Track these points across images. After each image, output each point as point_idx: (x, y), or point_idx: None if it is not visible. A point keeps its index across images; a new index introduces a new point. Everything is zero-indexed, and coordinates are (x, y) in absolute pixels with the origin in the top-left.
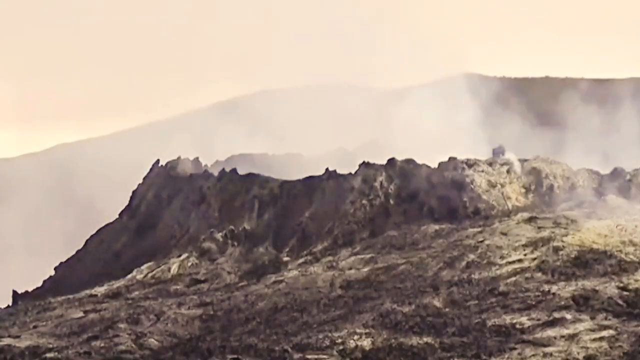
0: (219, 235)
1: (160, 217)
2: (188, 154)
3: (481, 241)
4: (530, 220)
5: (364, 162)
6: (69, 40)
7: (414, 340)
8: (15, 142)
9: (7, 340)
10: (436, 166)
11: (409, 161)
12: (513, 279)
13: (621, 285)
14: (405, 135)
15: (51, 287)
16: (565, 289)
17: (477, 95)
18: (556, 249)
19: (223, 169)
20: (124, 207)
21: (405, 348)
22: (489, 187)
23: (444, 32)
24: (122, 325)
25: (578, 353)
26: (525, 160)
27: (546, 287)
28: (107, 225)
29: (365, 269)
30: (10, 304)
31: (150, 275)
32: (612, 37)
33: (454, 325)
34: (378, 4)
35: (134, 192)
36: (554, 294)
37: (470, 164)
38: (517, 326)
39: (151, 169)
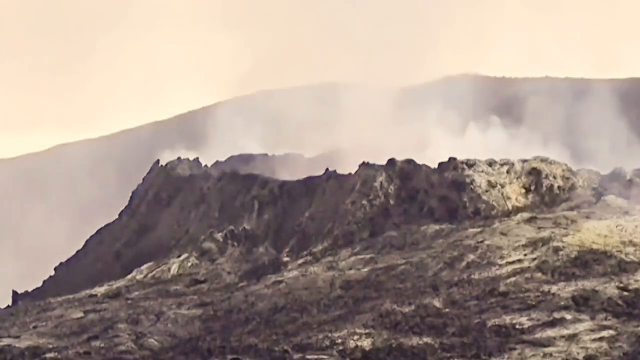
0: (219, 236)
1: (160, 217)
2: (188, 154)
3: (481, 241)
4: (530, 220)
5: (364, 162)
6: (67, 39)
7: (414, 341)
8: (15, 142)
9: (7, 340)
10: (436, 166)
11: (409, 161)
12: (513, 279)
13: (621, 285)
14: (404, 136)
15: (51, 287)
16: (565, 289)
17: (477, 95)
18: (556, 249)
19: (223, 169)
20: (124, 207)
21: (405, 348)
22: (489, 187)
23: (444, 32)
24: (122, 325)
25: (578, 353)
26: (525, 161)
27: (546, 287)
28: (107, 225)
29: (365, 269)
30: (10, 304)
31: (150, 275)
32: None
33: (454, 325)
34: (379, 4)
35: (134, 192)
36: (554, 294)
37: (470, 164)
38: (517, 326)
39: (151, 169)
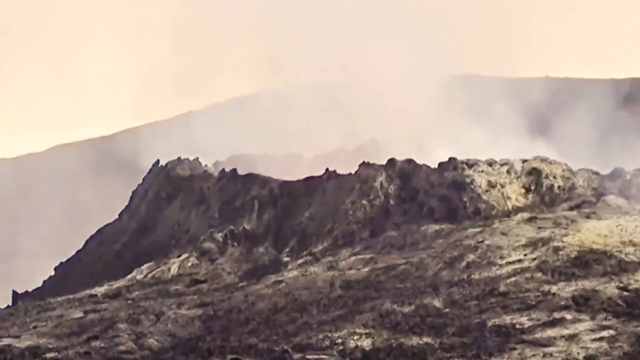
0: (219, 236)
1: (160, 217)
2: (188, 154)
3: (481, 241)
4: (530, 220)
5: (364, 162)
6: (66, 37)
7: (414, 341)
8: (15, 142)
9: (7, 340)
10: (436, 166)
11: (409, 161)
12: (513, 279)
13: (621, 285)
14: (405, 136)
15: (51, 287)
16: (565, 289)
17: (476, 95)
18: (556, 249)
19: (223, 169)
20: (124, 207)
21: (405, 348)
22: (489, 187)
23: (444, 31)
24: (122, 325)
25: (578, 353)
26: (525, 161)
27: (546, 287)
28: (107, 225)
29: (365, 269)
30: (10, 304)
31: (150, 275)
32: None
33: (454, 325)
34: (377, 4)
35: (134, 192)
36: (554, 294)
37: (470, 164)
38: (517, 326)
39: (151, 169)
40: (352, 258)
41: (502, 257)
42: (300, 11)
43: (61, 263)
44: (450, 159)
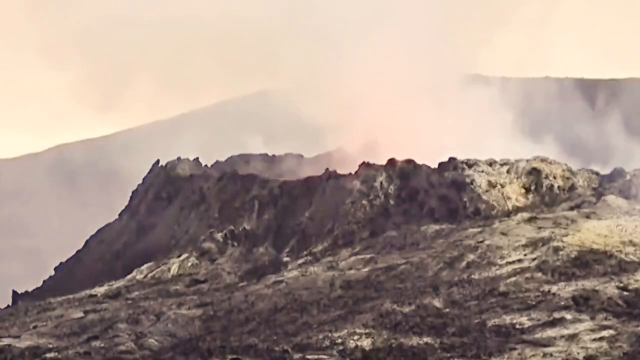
0: (218, 236)
1: (160, 217)
2: (188, 154)
3: (481, 241)
4: (530, 220)
5: (364, 162)
6: (66, 35)
7: (414, 341)
8: (15, 142)
9: (7, 340)
10: (436, 166)
11: (409, 161)
12: (513, 279)
13: (621, 285)
14: (405, 136)
15: (51, 287)
16: (565, 289)
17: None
18: (556, 249)
19: (223, 169)
20: (124, 207)
21: (405, 348)
22: (489, 187)
23: (443, 31)
24: (122, 325)
25: (578, 353)
26: (526, 161)
27: (546, 287)
28: (107, 225)
29: (365, 269)
30: (10, 304)
31: (150, 275)
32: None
33: (454, 325)
34: (377, 3)
35: (134, 192)
36: (554, 294)
37: (470, 164)
38: (517, 326)
39: (151, 169)
40: (352, 258)
41: (502, 257)
42: (299, 11)
43: (61, 263)
44: (450, 159)
